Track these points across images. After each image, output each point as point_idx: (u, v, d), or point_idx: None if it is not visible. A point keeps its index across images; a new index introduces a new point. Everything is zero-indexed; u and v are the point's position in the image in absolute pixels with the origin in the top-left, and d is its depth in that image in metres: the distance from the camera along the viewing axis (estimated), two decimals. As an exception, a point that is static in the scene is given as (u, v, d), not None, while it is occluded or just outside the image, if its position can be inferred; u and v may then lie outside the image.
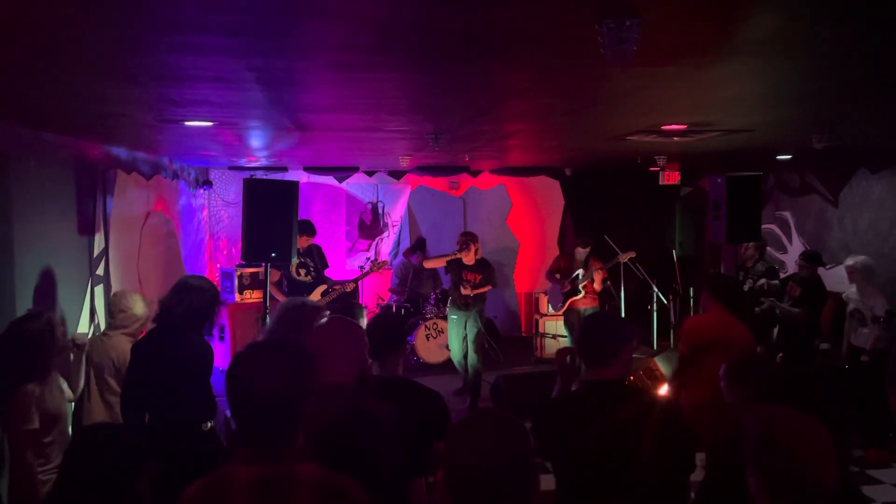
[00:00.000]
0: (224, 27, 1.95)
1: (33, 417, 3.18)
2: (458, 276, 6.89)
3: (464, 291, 6.83)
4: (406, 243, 9.30)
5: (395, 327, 2.99)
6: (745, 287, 6.98)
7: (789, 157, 7.38)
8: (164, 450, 3.10)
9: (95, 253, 5.26)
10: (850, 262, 6.18)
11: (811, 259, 6.57)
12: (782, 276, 7.49)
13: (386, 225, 9.52)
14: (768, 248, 8.51)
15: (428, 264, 7.34)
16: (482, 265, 7.00)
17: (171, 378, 3.32)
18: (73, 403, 3.74)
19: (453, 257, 6.91)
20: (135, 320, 4.17)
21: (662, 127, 4.57)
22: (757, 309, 6.86)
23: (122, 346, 4.01)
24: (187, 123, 4.08)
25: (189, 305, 3.43)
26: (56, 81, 2.70)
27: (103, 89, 2.88)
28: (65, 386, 3.57)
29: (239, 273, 7.97)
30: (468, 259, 6.89)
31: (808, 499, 1.62)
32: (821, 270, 7.45)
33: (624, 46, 1.96)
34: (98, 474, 2.10)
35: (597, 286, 7.66)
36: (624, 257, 8.01)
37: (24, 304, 4.12)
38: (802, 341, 6.47)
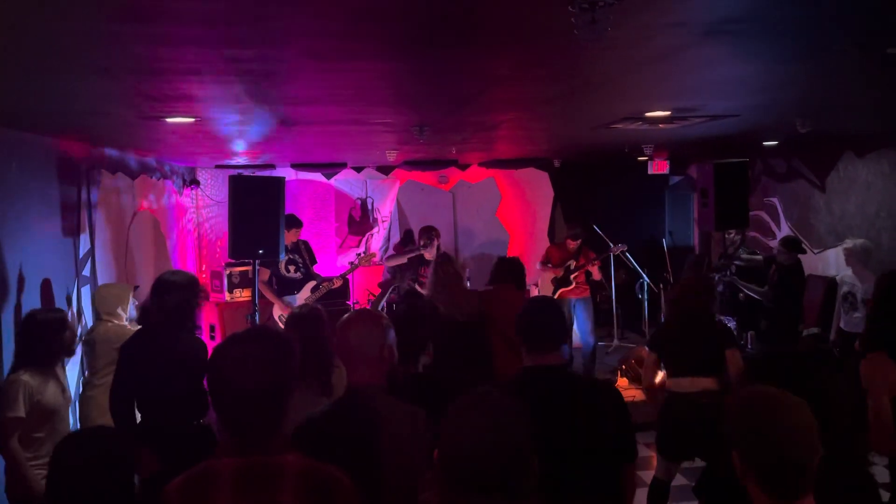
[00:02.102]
0: (194, 16, 1.93)
1: (20, 405, 3.18)
2: (417, 273, 6.77)
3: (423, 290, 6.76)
4: (396, 238, 9.29)
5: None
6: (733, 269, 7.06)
7: (776, 143, 7.40)
8: (159, 448, 3.12)
9: (81, 254, 5.23)
10: (848, 244, 6.21)
11: (790, 245, 6.61)
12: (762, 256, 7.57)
13: (376, 220, 9.50)
14: (756, 235, 8.55)
15: (389, 262, 7.26)
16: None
17: (162, 377, 3.32)
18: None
19: (416, 254, 6.82)
20: (117, 308, 4.25)
21: (646, 113, 4.57)
22: (719, 286, 6.93)
23: (114, 330, 4.13)
24: (169, 120, 4.06)
25: (167, 305, 3.43)
26: (28, 77, 2.67)
27: (78, 85, 2.86)
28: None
29: (228, 272, 7.94)
30: (430, 254, 6.79)
31: (793, 478, 1.61)
32: (810, 255, 7.49)
33: (596, 27, 1.95)
34: (85, 477, 2.09)
35: (596, 276, 7.65)
36: (616, 250, 8.03)
37: (9, 306, 4.10)
38: (785, 327, 6.50)
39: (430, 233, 6.95)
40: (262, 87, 3.16)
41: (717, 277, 7.17)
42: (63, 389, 3.45)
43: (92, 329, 4.35)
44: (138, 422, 3.42)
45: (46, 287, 4.57)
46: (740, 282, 6.94)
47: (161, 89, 3.05)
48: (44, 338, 3.36)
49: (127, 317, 4.29)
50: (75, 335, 3.71)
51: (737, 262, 7.20)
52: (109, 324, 4.22)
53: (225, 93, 3.26)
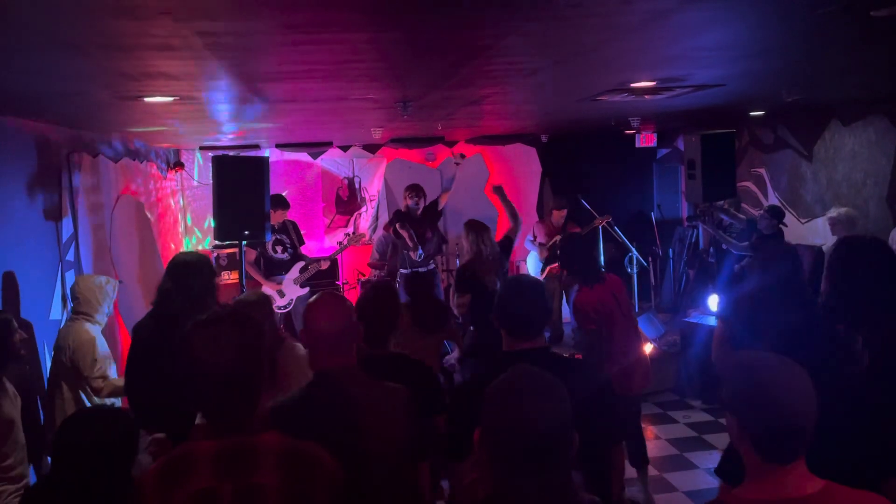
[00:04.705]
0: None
1: None
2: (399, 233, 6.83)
3: (413, 255, 6.79)
4: (385, 217, 9.24)
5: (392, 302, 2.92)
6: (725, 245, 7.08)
7: (762, 113, 7.38)
8: (168, 432, 3.09)
9: (64, 238, 5.17)
10: (833, 213, 6.22)
11: (774, 212, 6.63)
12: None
13: (363, 199, 9.45)
14: (744, 206, 8.56)
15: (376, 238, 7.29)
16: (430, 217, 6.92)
17: (172, 364, 3.23)
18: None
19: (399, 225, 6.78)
20: (95, 305, 4.15)
21: (632, 84, 4.53)
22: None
23: (79, 332, 4.00)
24: (147, 100, 3.99)
25: (188, 293, 3.36)
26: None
27: (50, 63, 2.79)
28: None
29: (216, 254, 7.89)
30: (418, 213, 6.85)
31: (787, 443, 1.60)
32: (798, 224, 7.50)
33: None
34: (90, 456, 2.09)
35: None
36: (601, 221, 8.04)
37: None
38: None
39: (417, 191, 6.98)
40: (238, 64, 3.10)
41: (691, 231, 7.18)
42: (15, 395, 3.30)
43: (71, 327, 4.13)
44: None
45: (30, 273, 4.52)
46: (720, 232, 6.96)
47: (134, 66, 2.98)
48: None
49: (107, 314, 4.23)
50: (23, 341, 3.46)
51: (722, 216, 7.26)
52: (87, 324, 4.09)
53: (201, 70, 3.19)
